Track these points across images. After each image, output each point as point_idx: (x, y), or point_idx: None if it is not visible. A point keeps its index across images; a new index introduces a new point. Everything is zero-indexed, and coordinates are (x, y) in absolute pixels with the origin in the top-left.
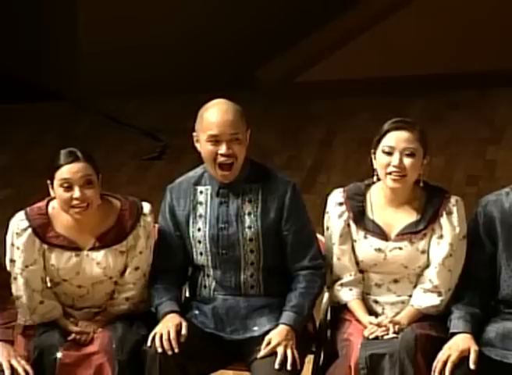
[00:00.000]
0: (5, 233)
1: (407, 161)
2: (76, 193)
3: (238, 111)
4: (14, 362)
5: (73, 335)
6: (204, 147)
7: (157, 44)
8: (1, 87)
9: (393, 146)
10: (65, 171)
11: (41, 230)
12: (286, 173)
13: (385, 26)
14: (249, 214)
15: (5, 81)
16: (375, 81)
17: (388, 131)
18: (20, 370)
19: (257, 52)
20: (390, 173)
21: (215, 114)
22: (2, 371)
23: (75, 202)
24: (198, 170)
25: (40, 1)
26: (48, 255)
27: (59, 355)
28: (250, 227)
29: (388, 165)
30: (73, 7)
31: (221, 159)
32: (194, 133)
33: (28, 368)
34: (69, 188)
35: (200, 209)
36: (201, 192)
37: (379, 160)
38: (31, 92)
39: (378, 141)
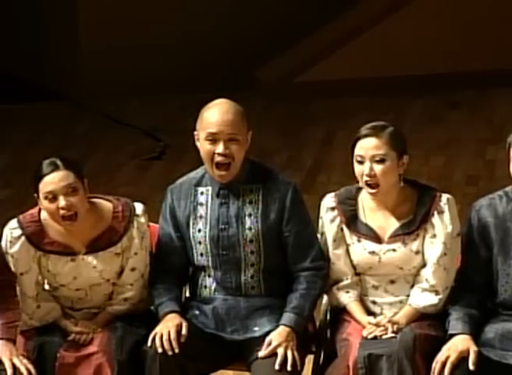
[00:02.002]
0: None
1: (378, 168)
2: (62, 202)
3: (239, 112)
4: (16, 361)
5: (73, 335)
6: (202, 145)
7: (157, 44)
8: (1, 87)
9: (363, 155)
10: (47, 182)
11: (35, 237)
12: (286, 173)
13: (385, 26)
14: (249, 215)
15: (5, 81)
16: (375, 81)
17: (357, 140)
18: (22, 369)
19: (257, 52)
20: (366, 183)
21: (215, 113)
22: (4, 370)
23: (62, 212)
24: (199, 171)
25: (41, 1)
26: (44, 261)
27: (59, 355)
28: (250, 228)
29: (362, 174)
30: (73, 7)
31: (218, 159)
32: (195, 132)
33: (30, 367)
34: (54, 199)
35: (201, 210)
36: (202, 193)
37: (355, 169)
38: (31, 92)
39: (352, 151)
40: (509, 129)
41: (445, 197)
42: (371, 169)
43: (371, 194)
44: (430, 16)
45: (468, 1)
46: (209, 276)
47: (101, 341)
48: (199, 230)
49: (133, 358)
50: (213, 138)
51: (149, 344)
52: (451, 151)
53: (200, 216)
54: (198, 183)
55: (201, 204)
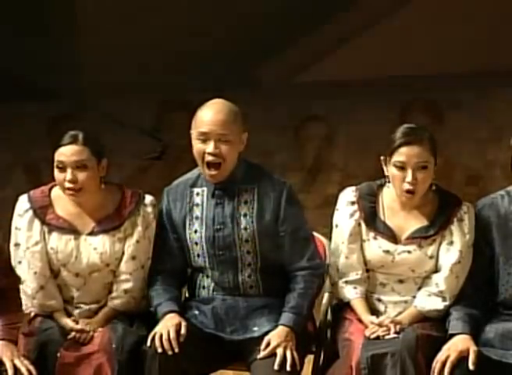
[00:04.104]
0: (7, 233)
1: (420, 175)
2: (68, 175)
3: (233, 112)
4: (17, 362)
5: (73, 334)
6: (194, 145)
7: (157, 44)
8: (1, 87)
9: (405, 162)
10: (61, 153)
11: (42, 211)
12: (286, 173)
13: (385, 26)
14: (244, 215)
15: (5, 81)
16: (375, 81)
17: (399, 146)
18: (23, 370)
19: (257, 52)
20: (405, 189)
21: (207, 113)
22: (6, 371)
23: (67, 184)
24: (195, 172)
25: (41, 1)
26: (48, 237)
27: (59, 354)
28: (245, 228)
29: (402, 180)
30: (73, 7)
31: (208, 158)
32: (191, 131)
33: (31, 368)
34: (63, 170)
35: (197, 211)
36: (198, 194)
37: (392, 174)
38: (31, 92)
39: (391, 154)
40: (509, 129)
41: (465, 206)
42: (414, 177)
43: (409, 199)
44: (430, 16)
45: (468, 1)
46: (207, 276)
47: (102, 340)
48: (195, 231)
49: (133, 358)
50: (204, 138)
51: (149, 343)
52: (451, 151)
53: (196, 217)
54: (194, 184)
55: (197, 205)
